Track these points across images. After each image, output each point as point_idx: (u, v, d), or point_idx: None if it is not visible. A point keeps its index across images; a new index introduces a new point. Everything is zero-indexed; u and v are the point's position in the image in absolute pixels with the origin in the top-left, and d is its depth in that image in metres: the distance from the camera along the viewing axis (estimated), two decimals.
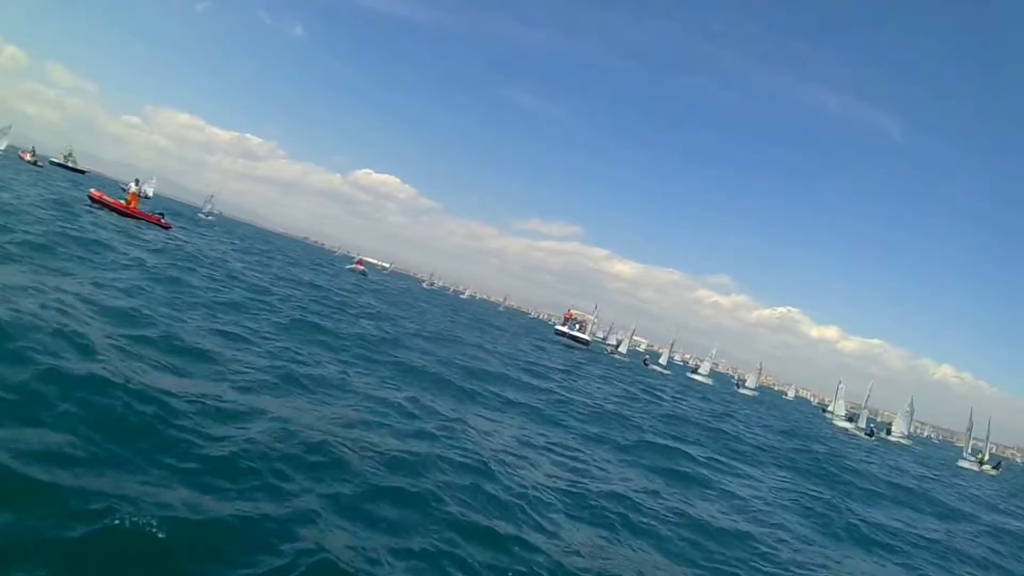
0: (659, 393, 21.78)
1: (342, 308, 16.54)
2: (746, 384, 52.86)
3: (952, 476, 23.70)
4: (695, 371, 49.72)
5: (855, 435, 33.41)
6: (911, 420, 39.27)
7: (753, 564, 5.52)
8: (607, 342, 50.76)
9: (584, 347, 42.94)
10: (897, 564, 7.17)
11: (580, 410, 11.44)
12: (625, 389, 19.43)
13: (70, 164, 58.05)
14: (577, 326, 45.58)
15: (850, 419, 38.04)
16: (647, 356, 49.49)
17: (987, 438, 36.80)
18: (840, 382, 40.87)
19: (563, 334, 44.54)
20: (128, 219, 21.92)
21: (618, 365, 36.78)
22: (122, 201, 23.31)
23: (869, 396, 36.92)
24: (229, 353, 7.16)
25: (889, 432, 37.61)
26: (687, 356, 74.33)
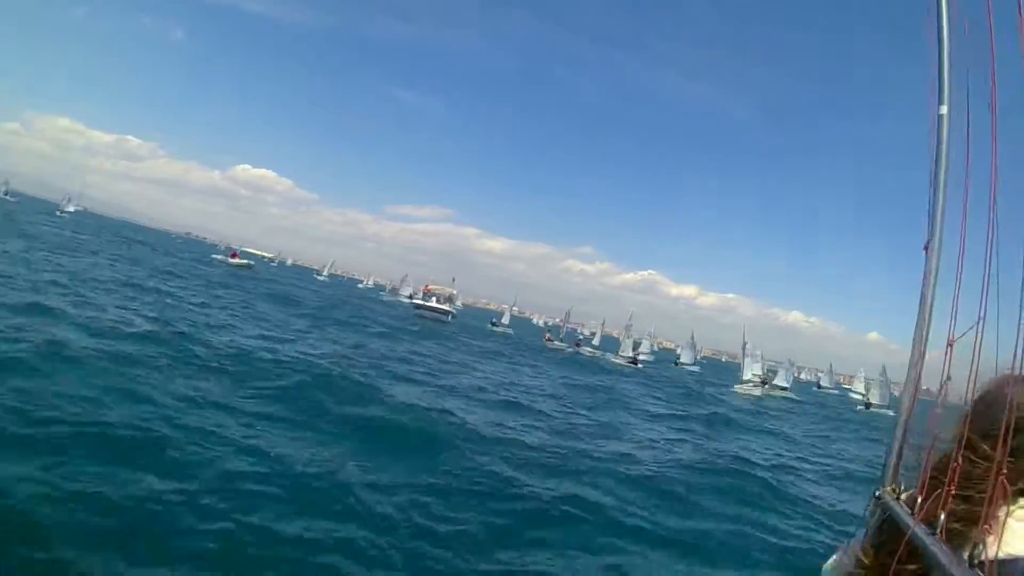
0: None
1: None
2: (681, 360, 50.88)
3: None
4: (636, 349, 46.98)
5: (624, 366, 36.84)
6: (694, 351, 50.85)
7: None
8: (548, 335, 48.13)
9: (448, 319, 41.75)
10: None
11: None
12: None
13: None
14: (434, 299, 44.09)
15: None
16: (580, 338, 48.40)
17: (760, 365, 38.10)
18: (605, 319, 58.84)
19: (422, 307, 42.68)
20: None
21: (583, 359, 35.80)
22: None
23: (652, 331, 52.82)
24: None
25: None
26: (585, 329, 70.89)
